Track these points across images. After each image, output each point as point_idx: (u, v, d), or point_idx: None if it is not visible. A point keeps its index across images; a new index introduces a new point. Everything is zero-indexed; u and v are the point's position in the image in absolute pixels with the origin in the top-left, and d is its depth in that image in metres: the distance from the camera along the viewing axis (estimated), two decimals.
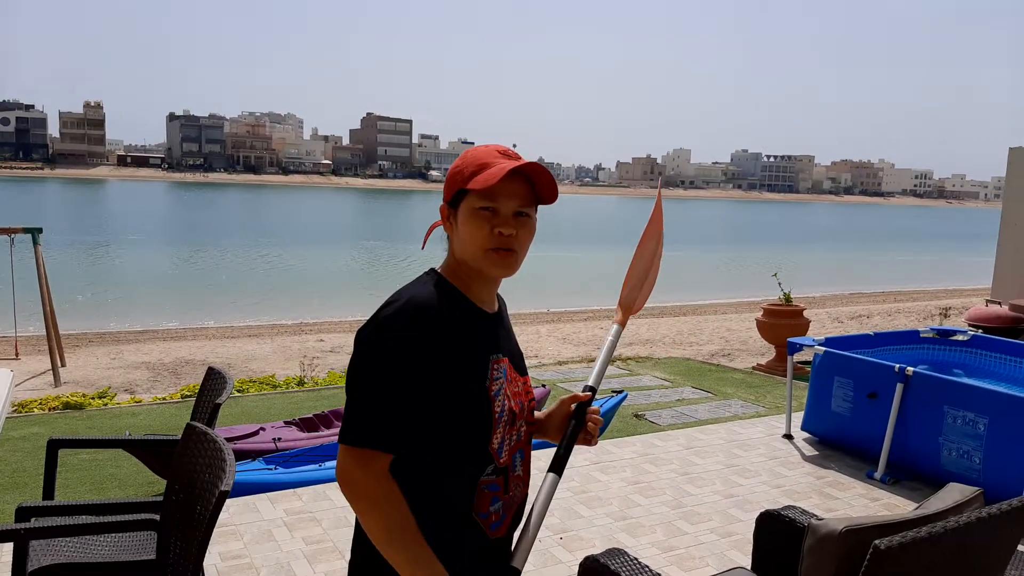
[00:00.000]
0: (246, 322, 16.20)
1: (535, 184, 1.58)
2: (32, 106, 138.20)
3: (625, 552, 2.55)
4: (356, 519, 1.60)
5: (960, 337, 6.86)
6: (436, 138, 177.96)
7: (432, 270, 1.63)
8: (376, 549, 1.51)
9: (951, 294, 22.57)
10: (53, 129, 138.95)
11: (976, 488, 2.36)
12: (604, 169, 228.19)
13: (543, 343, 12.73)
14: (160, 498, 2.75)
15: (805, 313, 9.79)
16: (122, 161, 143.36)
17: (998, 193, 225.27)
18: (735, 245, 45.44)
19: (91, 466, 5.69)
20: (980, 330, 8.56)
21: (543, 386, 7.37)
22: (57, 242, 28.06)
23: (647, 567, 2.48)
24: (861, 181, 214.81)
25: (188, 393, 8.06)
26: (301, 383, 8.67)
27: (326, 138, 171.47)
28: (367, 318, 1.52)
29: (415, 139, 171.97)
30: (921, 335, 6.94)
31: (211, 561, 3.78)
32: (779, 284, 9.92)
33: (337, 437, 1.50)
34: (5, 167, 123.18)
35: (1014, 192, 11.01)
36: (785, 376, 8.69)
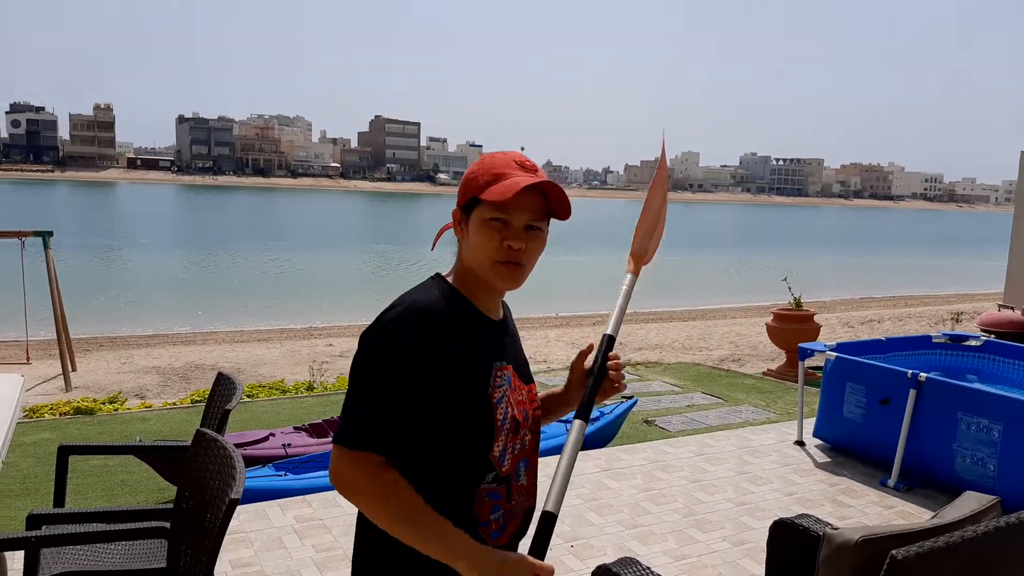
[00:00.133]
0: (256, 326, 16.24)
1: (549, 199, 1.58)
2: (43, 108, 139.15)
3: (638, 561, 2.53)
4: (357, 521, 1.60)
5: (973, 342, 6.81)
6: (444, 141, 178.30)
7: (437, 275, 1.62)
8: (379, 549, 1.53)
9: (962, 299, 22.45)
10: (63, 131, 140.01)
11: (993, 497, 2.34)
12: (612, 172, 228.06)
13: (552, 348, 12.71)
14: (170, 505, 2.75)
15: (815, 318, 9.75)
16: (132, 164, 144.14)
17: (1009, 197, 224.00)
18: (744, 249, 45.30)
19: (102, 472, 5.70)
20: (993, 335, 8.50)
21: None
22: (68, 245, 28.19)
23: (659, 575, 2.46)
24: (871, 184, 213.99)
25: (198, 398, 8.08)
26: (311, 388, 8.67)
27: (334, 141, 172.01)
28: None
29: (423, 142, 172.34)
30: (933, 340, 6.89)
31: (221, 569, 3.77)
32: (789, 289, 9.87)
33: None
34: (16, 169, 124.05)
35: None
36: (796, 381, 8.65)
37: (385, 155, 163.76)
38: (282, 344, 13.31)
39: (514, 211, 1.53)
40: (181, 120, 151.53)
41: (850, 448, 5.87)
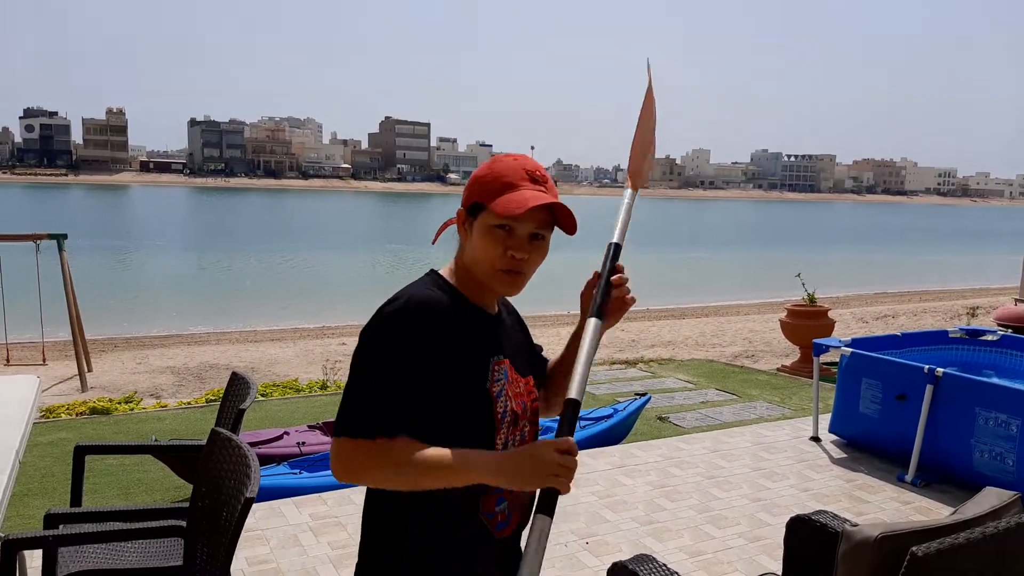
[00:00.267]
0: (269, 326, 16.30)
1: (556, 215, 1.58)
2: (56, 113, 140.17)
3: (653, 559, 2.52)
4: (363, 521, 1.62)
5: (989, 337, 6.75)
6: (454, 141, 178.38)
7: (433, 271, 1.64)
8: (385, 549, 1.56)
9: (977, 293, 22.27)
10: (77, 136, 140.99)
11: (1014, 492, 2.31)
12: (623, 171, 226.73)
13: (564, 345, 12.68)
14: (186, 503, 2.76)
15: (829, 314, 9.69)
16: (144, 167, 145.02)
17: (1023, 191, 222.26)
18: (756, 245, 45.10)
19: (118, 470, 5.73)
20: (1010, 330, 8.42)
21: None
22: (82, 248, 28.37)
23: (676, 573, 2.45)
24: (883, 180, 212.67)
25: (213, 397, 8.11)
26: (324, 387, 8.69)
27: (345, 142, 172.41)
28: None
29: (433, 142, 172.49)
30: (950, 335, 6.84)
31: (238, 566, 3.79)
32: (803, 284, 9.82)
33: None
34: (30, 173, 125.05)
35: None
36: (810, 377, 8.60)
37: (395, 156, 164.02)
38: (295, 343, 13.35)
39: (521, 221, 1.53)
40: (193, 123, 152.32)
41: (866, 444, 5.83)
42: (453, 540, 1.55)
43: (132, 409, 7.83)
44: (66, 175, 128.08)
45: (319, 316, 17.45)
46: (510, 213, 1.50)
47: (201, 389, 9.33)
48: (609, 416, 6.36)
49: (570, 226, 1.59)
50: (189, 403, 8.15)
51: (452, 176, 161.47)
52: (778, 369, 9.89)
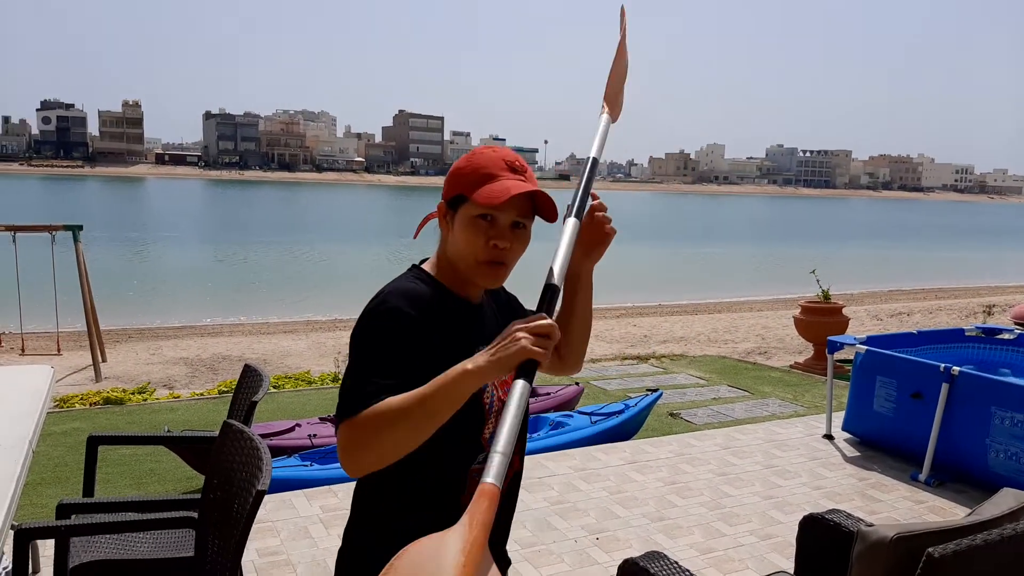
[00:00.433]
0: (282, 318, 16.37)
1: (536, 203, 1.59)
2: (72, 105, 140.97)
3: (665, 556, 2.50)
4: (352, 509, 1.64)
5: (1006, 335, 6.69)
6: (468, 135, 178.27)
7: (415, 266, 1.67)
8: (363, 538, 1.60)
9: (993, 291, 22.08)
10: (93, 128, 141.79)
11: None
12: (636, 165, 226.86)
13: None
14: (198, 495, 2.76)
15: (843, 311, 9.62)
16: (160, 159, 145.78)
17: None
18: (770, 241, 44.86)
19: (131, 461, 5.76)
20: None
21: (576, 384, 7.33)
22: (98, 239, 28.56)
23: (688, 571, 2.43)
24: (900, 176, 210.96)
25: (225, 389, 8.15)
26: (336, 379, 8.71)
27: (359, 136, 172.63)
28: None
29: (447, 136, 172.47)
30: (966, 334, 6.78)
31: (248, 557, 3.80)
32: (817, 281, 9.76)
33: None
34: (46, 165, 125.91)
35: None
36: (823, 375, 8.54)
37: (409, 149, 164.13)
38: (308, 336, 13.40)
39: (502, 210, 1.54)
40: (208, 116, 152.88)
41: (880, 442, 5.78)
42: (438, 528, 1.53)
43: (145, 400, 7.87)
44: (82, 167, 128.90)
45: (331, 308, 17.49)
46: (492, 202, 1.51)
47: (214, 380, 9.38)
48: (620, 412, 6.34)
49: (550, 214, 1.60)
50: (202, 394, 8.19)
51: None
52: (791, 366, 9.83)
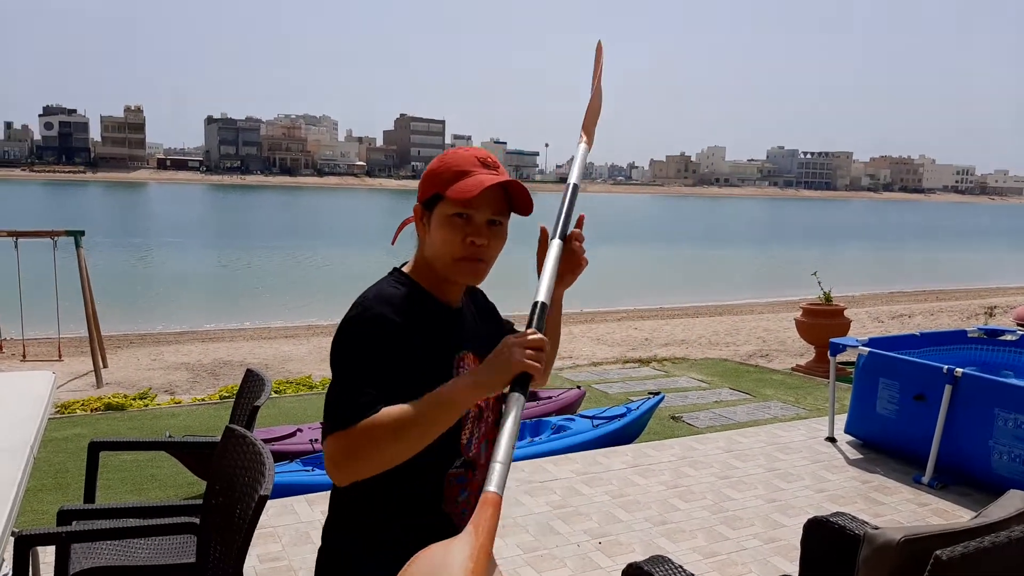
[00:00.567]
0: (283, 323, 16.36)
1: (512, 196, 1.61)
2: (75, 111, 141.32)
3: (669, 560, 2.48)
4: (330, 509, 1.66)
5: (1009, 337, 6.67)
6: (469, 138, 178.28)
7: (396, 269, 1.70)
8: (341, 541, 1.61)
9: (995, 292, 22.05)
10: (95, 133, 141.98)
11: None
12: (637, 168, 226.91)
13: (577, 344, 12.66)
14: (200, 500, 2.75)
15: (844, 313, 9.61)
16: (162, 164, 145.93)
17: None
18: (771, 244, 44.84)
19: (132, 467, 5.75)
20: None
21: (578, 387, 7.32)
22: (99, 245, 28.57)
23: (692, 575, 2.41)
24: (901, 177, 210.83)
25: (227, 394, 8.14)
26: None
27: (360, 140, 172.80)
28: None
29: (448, 140, 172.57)
30: (968, 335, 6.76)
31: (250, 563, 3.78)
32: (819, 283, 9.74)
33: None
34: (48, 170, 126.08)
35: None
36: (824, 377, 8.53)
37: (410, 153, 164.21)
38: (309, 340, 13.39)
39: (477, 208, 1.57)
40: (210, 121, 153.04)
41: (883, 445, 5.77)
42: (419, 533, 1.57)
43: (146, 405, 7.87)
44: (84, 172, 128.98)
45: (333, 313, 17.45)
46: (466, 195, 1.53)
47: (215, 386, 9.36)
48: (622, 415, 6.33)
49: (525, 206, 1.62)
50: (203, 399, 8.18)
51: None
52: (793, 369, 9.82)
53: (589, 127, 2.07)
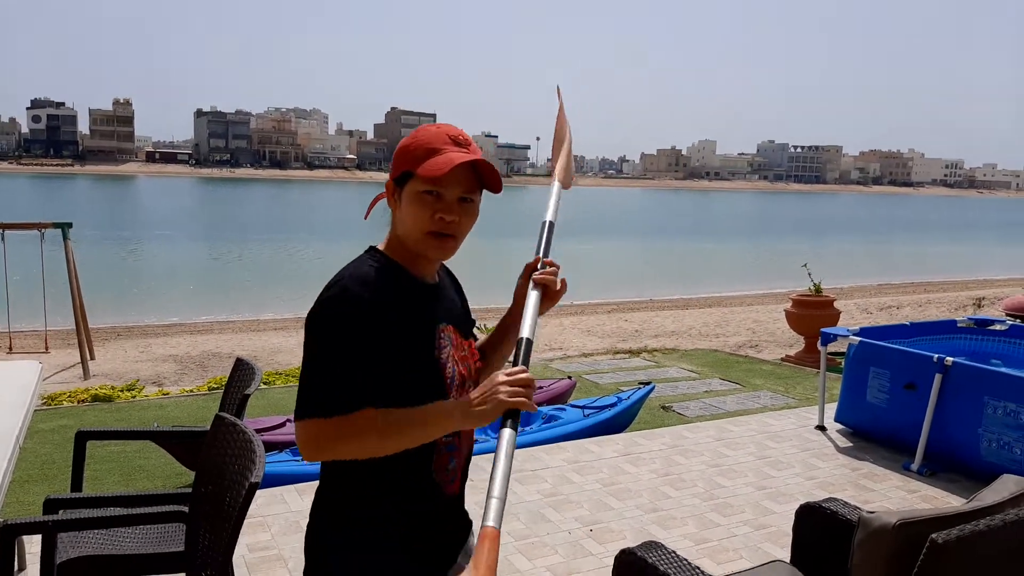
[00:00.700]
0: (272, 315, 16.29)
1: (481, 174, 1.62)
2: (63, 104, 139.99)
3: (662, 545, 2.48)
4: (320, 483, 1.67)
5: (998, 327, 6.70)
6: None
7: (371, 248, 1.69)
8: (339, 508, 1.61)
9: (982, 284, 22.18)
10: (83, 126, 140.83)
11: None
12: (628, 161, 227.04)
13: (567, 335, 12.66)
14: (188, 490, 2.72)
15: (834, 304, 9.63)
16: (150, 157, 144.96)
17: None
18: (760, 236, 44.96)
19: (119, 457, 5.71)
20: (1019, 319, 8.36)
21: (569, 377, 7.31)
22: (87, 237, 28.36)
23: (685, 560, 2.41)
24: (890, 171, 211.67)
25: (215, 385, 8.09)
26: None
27: (351, 133, 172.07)
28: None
29: None
30: (958, 325, 6.79)
31: (239, 552, 3.76)
32: (809, 275, 9.76)
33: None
34: (36, 164, 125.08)
35: None
36: (814, 367, 8.55)
37: None
38: (298, 332, 13.32)
39: (447, 185, 1.57)
40: (199, 114, 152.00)
41: (872, 433, 5.79)
42: (411, 502, 1.61)
43: (134, 396, 7.81)
44: (72, 165, 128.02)
45: None
46: (436, 173, 1.53)
47: (203, 377, 9.31)
48: (613, 405, 6.33)
49: (495, 184, 1.63)
50: (191, 391, 8.13)
51: None
52: (782, 359, 9.84)
53: (561, 169, 2.09)
